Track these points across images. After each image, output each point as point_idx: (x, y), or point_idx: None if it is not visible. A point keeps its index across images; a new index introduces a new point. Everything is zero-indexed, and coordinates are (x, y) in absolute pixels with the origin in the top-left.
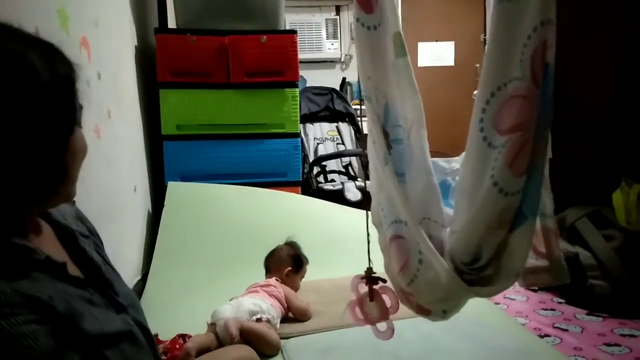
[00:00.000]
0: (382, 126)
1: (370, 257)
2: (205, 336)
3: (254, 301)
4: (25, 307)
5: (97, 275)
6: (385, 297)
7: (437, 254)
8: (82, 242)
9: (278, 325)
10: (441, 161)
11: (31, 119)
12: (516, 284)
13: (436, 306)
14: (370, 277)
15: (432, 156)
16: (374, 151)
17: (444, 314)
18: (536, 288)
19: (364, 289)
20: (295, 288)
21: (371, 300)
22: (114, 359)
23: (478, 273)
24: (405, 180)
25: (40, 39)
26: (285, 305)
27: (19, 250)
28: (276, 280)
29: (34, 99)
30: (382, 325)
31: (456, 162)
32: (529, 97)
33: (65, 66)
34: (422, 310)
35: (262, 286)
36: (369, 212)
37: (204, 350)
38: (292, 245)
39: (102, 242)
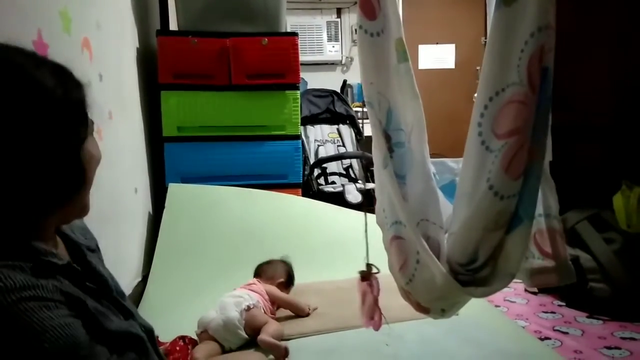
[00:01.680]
0: (384, 130)
1: (369, 257)
2: (207, 345)
3: (233, 294)
4: (64, 303)
5: (104, 287)
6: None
7: (432, 255)
8: (90, 256)
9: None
10: (450, 162)
11: (46, 131)
12: (521, 285)
13: (434, 304)
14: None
15: (432, 157)
16: (378, 154)
17: (443, 312)
18: (536, 290)
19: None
20: None
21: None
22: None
23: (474, 274)
24: (405, 183)
25: (54, 62)
26: (267, 299)
27: (44, 254)
28: (257, 281)
29: (50, 114)
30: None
31: None
32: (525, 102)
33: (75, 85)
34: (422, 309)
35: (242, 286)
36: (369, 214)
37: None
38: (287, 263)
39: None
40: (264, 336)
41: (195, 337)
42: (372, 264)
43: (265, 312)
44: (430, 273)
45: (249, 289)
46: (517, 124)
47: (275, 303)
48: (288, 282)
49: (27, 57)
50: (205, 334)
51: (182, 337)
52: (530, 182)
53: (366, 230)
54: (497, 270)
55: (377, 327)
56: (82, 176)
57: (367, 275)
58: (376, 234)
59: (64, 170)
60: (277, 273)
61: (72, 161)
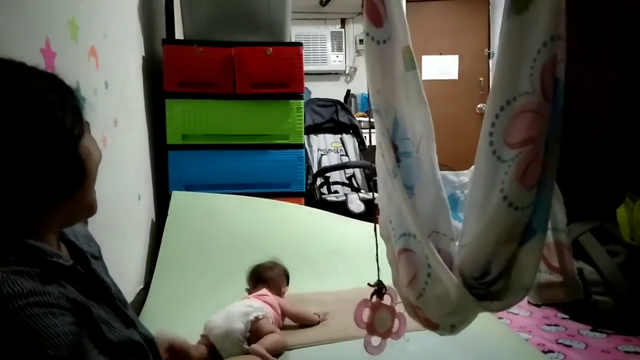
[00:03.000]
0: (391, 139)
1: (367, 269)
2: (198, 347)
3: (244, 303)
4: (69, 310)
5: (107, 295)
6: (395, 321)
7: (446, 268)
8: (94, 263)
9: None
10: (450, 174)
11: (40, 129)
12: (526, 298)
13: (444, 320)
14: (380, 290)
15: None
16: (383, 164)
17: (452, 328)
18: (540, 303)
19: (367, 315)
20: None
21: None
22: None
23: (487, 287)
24: (414, 193)
25: (44, 70)
26: (279, 312)
27: (49, 254)
28: (267, 291)
29: (42, 114)
30: (375, 340)
31: (465, 176)
32: (539, 112)
33: (66, 89)
34: (430, 324)
35: (254, 295)
36: (370, 224)
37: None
38: (281, 265)
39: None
40: (257, 346)
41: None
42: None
43: (273, 324)
44: (444, 287)
45: (263, 300)
46: (531, 133)
47: (286, 316)
48: (287, 284)
49: (18, 67)
50: (205, 338)
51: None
52: (544, 192)
53: (377, 244)
54: (511, 283)
55: (378, 353)
56: (81, 171)
57: (378, 292)
58: (374, 245)
59: (62, 166)
60: (281, 281)
61: (69, 156)
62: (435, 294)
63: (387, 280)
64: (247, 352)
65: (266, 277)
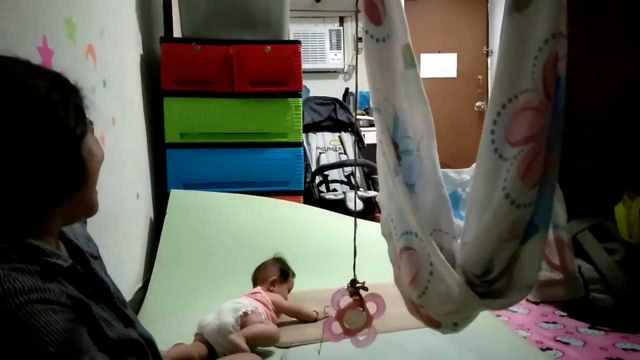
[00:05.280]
0: (392, 137)
1: (363, 267)
2: (188, 346)
3: (233, 300)
4: (69, 307)
5: (107, 294)
6: (371, 304)
7: (449, 266)
8: (93, 263)
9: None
10: (451, 172)
11: (42, 128)
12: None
13: (447, 319)
14: (355, 288)
15: None
16: (384, 162)
17: (455, 326)
18: (538, 300)
19: (345, 302)
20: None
21: (363, 309)
22: None
23: (489, 285)
24: (415, 192)
25: (49, 69)
26: (272, 308)
27: (49, 254)
28: (262, 289)
29: (44, 113)
30: (362, 334)
31: (466, 174)
32: (540, 109)
33: (70, 88)
34: (433, 323)
35: (247, 294)
36: (373, 222)
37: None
38: (278, 259)
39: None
40: (234, 336)
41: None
42: (359, 283)
43: (266, 319)
44: (446, 285)
45: (253, 298)
46: (533, 131)
47: (281, 312)
48: (283, 276)
49: (22, 65)
50: (200, 336)
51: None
52: (546, 190)
53: (355, 239)
54: (513, 281)
55: (368, 344)
56: (82, 171)
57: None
58: (379, 244)
59: (63, 165)
60: (269, 273)
61: (71, 156)
62: (437, 292)
63: (390, 279)
64: (236, 347)
65: (257, 276)
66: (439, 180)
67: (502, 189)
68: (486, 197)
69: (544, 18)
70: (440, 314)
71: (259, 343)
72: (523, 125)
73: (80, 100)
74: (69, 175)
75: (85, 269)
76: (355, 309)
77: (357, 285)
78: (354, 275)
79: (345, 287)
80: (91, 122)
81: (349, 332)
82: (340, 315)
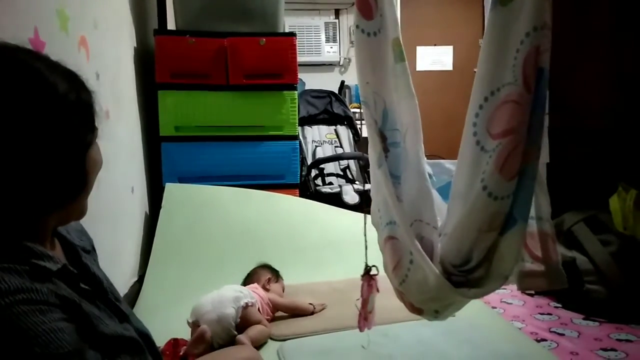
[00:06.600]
0: (380, 130)
1: (361, 260)
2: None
3: (234, 287)
4: (58, 306)
5: (100, 289)
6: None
7: (425, 255)
8: (85, 257)
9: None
10: (447, 163)
11: (55, 134)
12: (513, 287)
13: (427, 305)
14: (370, 275)
15: (429, 159)
16: (373, 155)
17: (436, 313)
18: (533, 292)
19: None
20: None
21: (378, 291)
22: None
23: (467, 275)
24: (400, 183)
25: (66, 67)
26: (267, 302)
27: (39, 257)
28: (258, 286)
29: (60, 118)
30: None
31: None
32: (520, 102)
33: (86, 91)
34: (415, 309)
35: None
36: (368, 215)
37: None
38: (265, 265)
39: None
40: (242, 337)
41: (187, 339)
42: (371, 266)
43: (261, 313)
44: (423, 274)
45: (252, 290)
46: (512, 124)
47: (279, 310)
48: (275, 275)
49: (42, 61)
50: (195, 325)
51: (175, 340)
52: (525, 183)
53: (365, 233)
54: (490, 271)
55: (362, 329)
56: (84, 181)
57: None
58: (374, 236)
59: (68, 174)
60: (262, 274)
61: (77, 165)
62: (416, 280)
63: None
64: (234, 339)
65: (250, 281)
66: (422, 172)
67: (480, 181)
68: (467, 189)
69: (527, 12)
70: (419, 301)
71: (257, 343)
72: (503, 118)
73: (93, 104)
74: (73, 182)
75: (78, 265)
76: (373, 293)
77: (371, 272)
78: (366, 264)
79: (363, 277)
80: (97, 128)
81: (367, 317)
82: (365, 303)
